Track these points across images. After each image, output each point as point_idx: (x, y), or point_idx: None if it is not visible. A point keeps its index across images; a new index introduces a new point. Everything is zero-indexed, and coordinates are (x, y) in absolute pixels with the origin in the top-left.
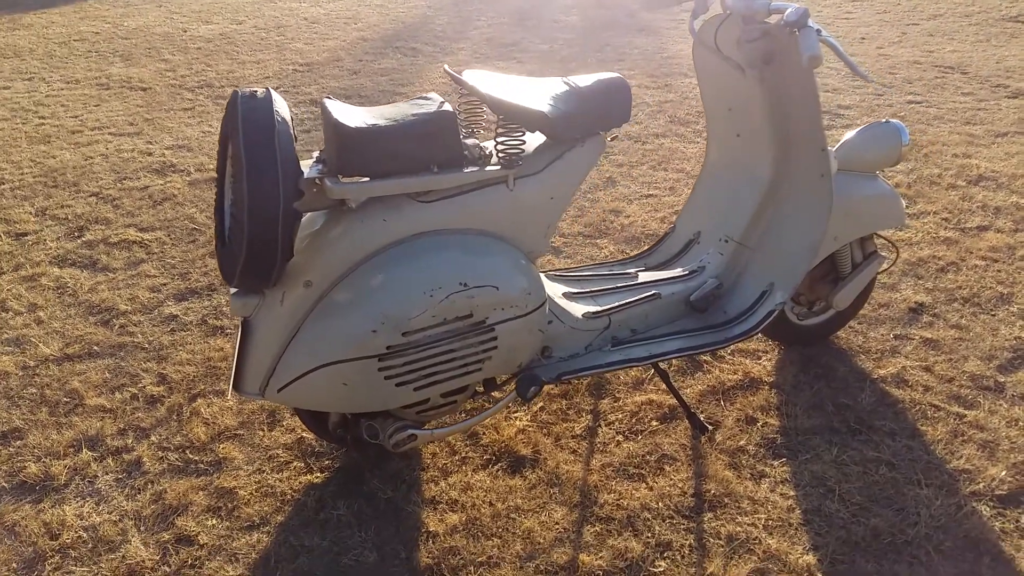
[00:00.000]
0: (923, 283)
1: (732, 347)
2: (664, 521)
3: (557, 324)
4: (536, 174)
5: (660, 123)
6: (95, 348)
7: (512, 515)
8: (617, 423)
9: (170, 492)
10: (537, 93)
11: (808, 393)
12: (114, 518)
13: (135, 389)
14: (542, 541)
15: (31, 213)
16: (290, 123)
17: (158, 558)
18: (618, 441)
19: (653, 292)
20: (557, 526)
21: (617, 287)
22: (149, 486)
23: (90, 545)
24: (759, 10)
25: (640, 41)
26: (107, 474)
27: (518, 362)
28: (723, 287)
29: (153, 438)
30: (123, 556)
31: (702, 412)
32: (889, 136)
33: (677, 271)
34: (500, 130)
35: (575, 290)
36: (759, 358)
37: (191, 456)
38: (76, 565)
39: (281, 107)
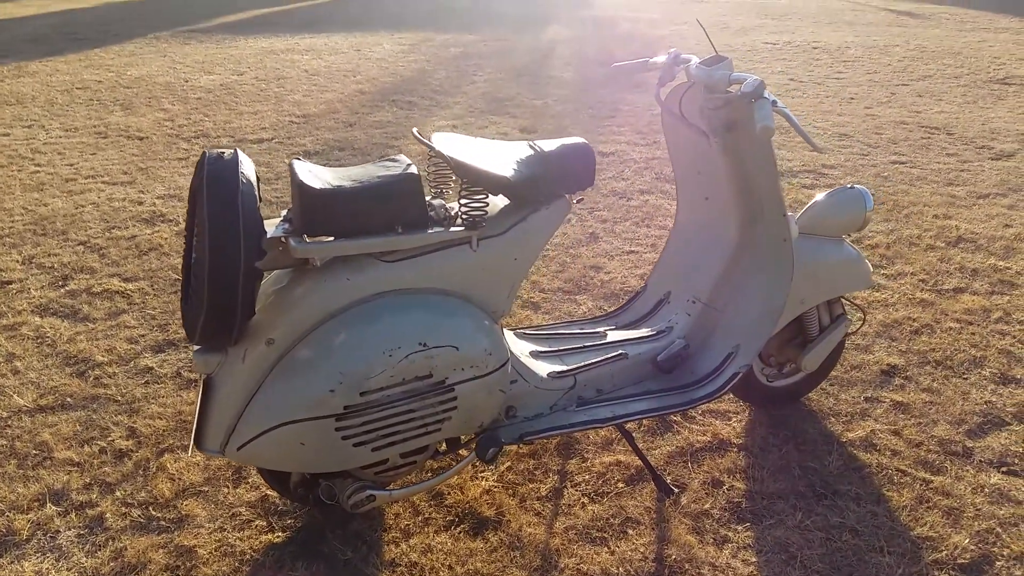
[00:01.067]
0: (897, 345)
1: (702, 407)
2: None
3: (522, 384)
4: (500, 235)
5: (646, 180)
6: (68, 400)
7: None
8: (584, 484)
9: (130, 549)
10: (502, 157)
11: (776, 456)
12: (72, 574)
13: (104, 443)
14: None
15: (18, 261)
16: (255, 184)
17: None
18: (583, 503)
19: (620, 352)
20: None
21: (584, 346)
22: (110, 543)
23: None
24: (720, 80)
25: (632, 98)
26: (69, 529)
27: (479, 422)
28: (690, 348)
29: (118, 493)
30: None
31: (669, 474)
32: (853, 201)
33: (645, 331)
34: (463, 192)
35: (542, 349)
36: (729, 419)
37: (154, 512)
38: None
39: (247, 168)
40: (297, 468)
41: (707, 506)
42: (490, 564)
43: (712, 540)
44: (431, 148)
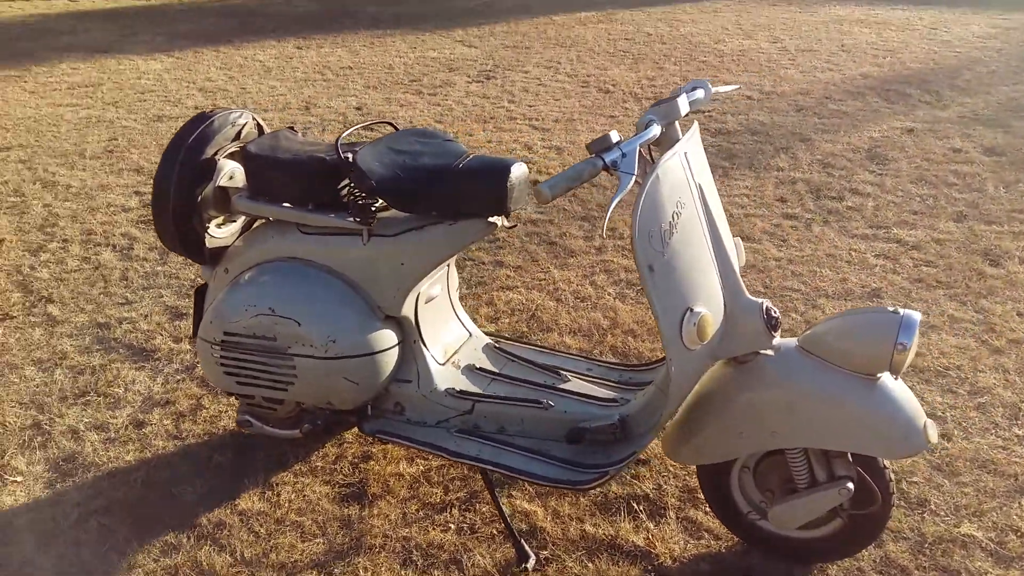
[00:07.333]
0: None
1: (677, 508)
2: None
3: (413, 387)
4: (389, 237)
5: (1000, 208)
6: None
7: (286, 528)
8: (473, 513)
9: (177, 392)
10: (416, 163)
11: None
12: (143, 390)
13: None
14: (272, 560)
15: None
16: (212, 140)
17: (121, 427)
18: (446, 527)
19: (543, 400)
20: (300, 557)
21: (527, 380)
22: (177, 383)
23: (116, 399)
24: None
25: None
26: (179, 364)
27: (326, 399)
28: (621, 430)
29: None
30: (120, 414)
31: (561, 548)
32: (880, 330)
33: (605, 393)
34: (350, 186)
35: (488, 367)
36: (697, 537)
37: None
38: (101, 408)
39: (217, 128)
40: (205, 375)
41: None
42: (317, 526)
43: None
44: (337, 141)
